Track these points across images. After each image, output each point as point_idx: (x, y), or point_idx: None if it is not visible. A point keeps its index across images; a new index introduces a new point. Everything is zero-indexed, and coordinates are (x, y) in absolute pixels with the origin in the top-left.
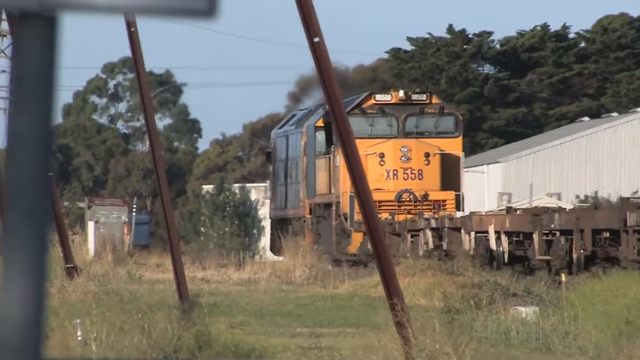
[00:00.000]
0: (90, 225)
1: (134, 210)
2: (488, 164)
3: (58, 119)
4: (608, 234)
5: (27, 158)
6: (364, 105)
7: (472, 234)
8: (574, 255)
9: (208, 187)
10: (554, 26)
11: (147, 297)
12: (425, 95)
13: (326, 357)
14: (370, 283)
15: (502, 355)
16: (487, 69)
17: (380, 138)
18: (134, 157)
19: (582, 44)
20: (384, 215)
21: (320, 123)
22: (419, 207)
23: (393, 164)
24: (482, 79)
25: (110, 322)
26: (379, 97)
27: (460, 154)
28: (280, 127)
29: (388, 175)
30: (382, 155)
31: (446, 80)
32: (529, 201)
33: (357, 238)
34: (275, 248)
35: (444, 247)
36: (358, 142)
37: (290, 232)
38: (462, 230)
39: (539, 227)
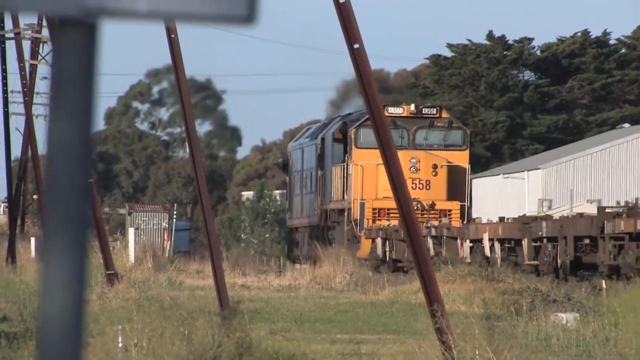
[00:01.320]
0: (131, 231)
1: (174, 216)
2: (528, 170)
3: (99, 125)
4: (588, 241)
5: (67, 164)
6: None
7: (468, 241)
8: (559, 261)
9: (248, 194)
10: (595, 32)
11: (188, 304)
12: (435, 110)
13: None
14: (411, 289)
15: None
16: (527, 75)
17: None
18: (174, 164)
19: (623, 50)
20: (393, 222)
21: (338, 133)
22: (425, 216)
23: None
24: (521, 85)
25: (150, 328)
26: (391, 109)
27: (467, 166)
28: (296, 140)
29: None
30: None
31: (485, 87)
32: (570, 207)
33: (366, 244)
34: (292, 255)
35: (443, 254)
36: (370, 152)
37: (304, 240)
38: (459, 239)
39: (528, 234)
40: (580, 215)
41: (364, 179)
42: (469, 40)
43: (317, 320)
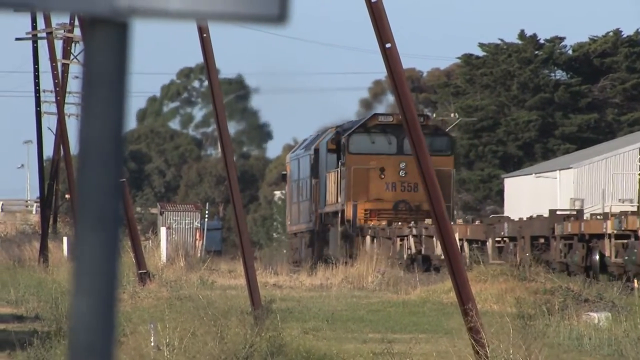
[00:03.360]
0: (163, 231)
1: (206, 216)
2: (560, 169)
3: (131, 124)
4: (543, 240)
5: (99, 164)
6: (368, 125)
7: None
8: (518, 258)
9: (280, 193)
10: (627, 31)
11: (220, 303)
12: (422, 118)
13: None
14: (442, 289)
15: None
16: (559, 74)
17: (381, 154)
18: (207, 163)
19: None
20: (383, 222)
21: (331, 144)
22: (413, 216)
23: (392, 177)
24: (553, 85)
25: (183, 327)
26: (381, 118)
27: (452, 170)
28: (294, 152)
29: (387, 187)
30: (382, 170)
31: (517, 86)
32: (601, 207)
33: (358, 241)
34: (293, 260)
35: (422, 251)
36: (362, 157)
37: (302, 245)
38: (434, 238)
39: (492, 235)
40: (538, 217)
41: (356, 183)
42: (501, 40)
43: (348, 320)
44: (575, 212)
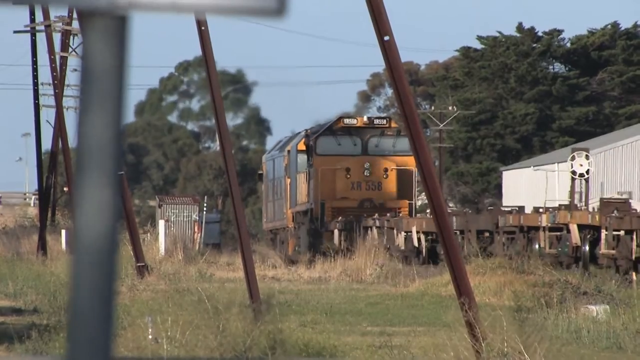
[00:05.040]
0: (161, 223)
1: (205, 209)
2: (558, 162)
3: (130, 117)
4: (488, 234)
5: (97, 157)
6: (334, 128)
7: (403, 233)
8: (465, 250)
9: None
10: (625, 24)
11: (218, 296)
12: (385, 120)
13: (397, 355)
14: (441, 282)
15: (573, 355)
16: (557, 67)
17: (347, 155)
18: (206, 156)
19: None
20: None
21: (302, 145)
22: (378, 213)
23: (357, 177)
24: (551, 77)
25: (181, 320)
26: (347, 121)
27: (414, 169)
28: (269, 153)
29: (353, 187)
30: (347, 170)
31: (515, 79)
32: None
33: (327, 237)
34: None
35: (384, 242)
36: (328, 158)
37: (278, 240)
38: (395, 230)
39: None
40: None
41: (324, 183)
42: (499, 33)
43: (347, 313)
44: (517, 208)
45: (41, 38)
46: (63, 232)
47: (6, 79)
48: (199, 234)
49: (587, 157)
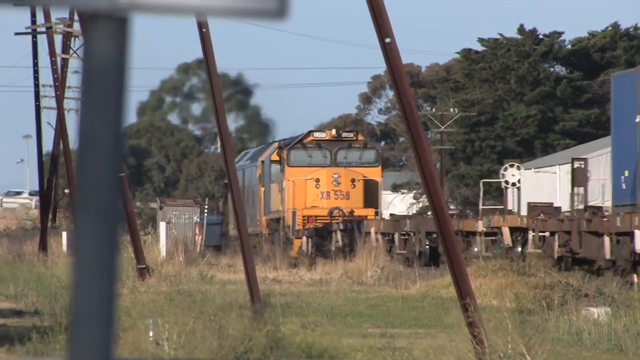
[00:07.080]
0: (162, 225)
1: (206, 211)
2: (560, 164)
3: (131, 118)
4: (435, 235)
5: (98, 158)
6: (304, 141)
7: (363, 233)
8: (417, 250)
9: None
10: (625, 24)
11: (219, 298)
12: (352, 134)
13: (398, 357)
14: (442, 284)
15: (575, 357)
16: (558, 69)
17: (317, 167)
18: (207, 158)
19: None
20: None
21: (275, 156)
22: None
23: (326, 187)
24: (553, 79)
25: (182, 322)
26: (316, 134)
27: (379, 180)
28: (238, 162)
29: (322, 196)
30: (317, 180)
31: (516, 80)
32: (602, 202)
33: (297, 243)
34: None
35: (347, 243)
36: (300, 169)
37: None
38: (356, 232)
39: (398, 229)
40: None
41: (295, 192)
42: (500, 35)
43: (348, 315)
44: (458, 211)
45: (42, 40)
46: (64, 234)
47: (7, 81)
48: (200, 236)
49: (518, 168)
